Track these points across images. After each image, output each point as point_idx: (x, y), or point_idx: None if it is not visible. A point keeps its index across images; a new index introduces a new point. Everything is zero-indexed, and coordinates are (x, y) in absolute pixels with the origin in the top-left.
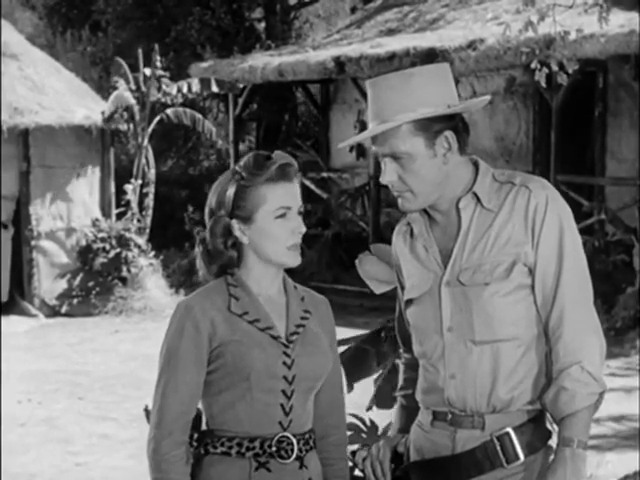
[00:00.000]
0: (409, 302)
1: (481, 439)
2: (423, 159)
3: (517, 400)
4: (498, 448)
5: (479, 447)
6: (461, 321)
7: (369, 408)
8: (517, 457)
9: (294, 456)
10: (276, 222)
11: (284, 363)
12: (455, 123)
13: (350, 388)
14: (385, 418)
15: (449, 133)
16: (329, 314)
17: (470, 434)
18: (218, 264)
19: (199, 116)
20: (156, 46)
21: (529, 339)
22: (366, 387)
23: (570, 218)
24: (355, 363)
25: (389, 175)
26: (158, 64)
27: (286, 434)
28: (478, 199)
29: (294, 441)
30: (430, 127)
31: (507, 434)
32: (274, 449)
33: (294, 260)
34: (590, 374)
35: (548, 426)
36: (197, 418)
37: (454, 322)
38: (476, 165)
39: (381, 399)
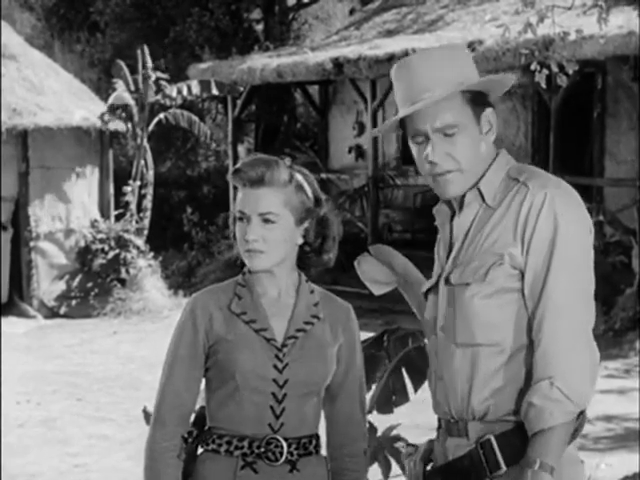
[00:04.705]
0: (424, 295)
1: (468, 447)
2: (473, 132)
3: (495, 410)
4: (482, 457)
5: (466, 455)
6: (448, 321)
7: (368, 412)
8: (499, 466)
9: (283, 459)
10: (236, 225)
11: (275, 366)
12: (490, 104)
13: (368, 389)
14: (386, 420)
15: (490, 110)
16: (348, 322)
17: (458, 442)
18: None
19: (195, 118)
20: (147, 49)
21: (514, 347)
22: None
23: (572, 221)
24: (369, 365)
25: (438, 152)
26: (149, 65)
27: (276, 436)
28: (482, 196)
29: (284, 444)
30: (477, 101)
31: (488, 441)
32: (262, 450)
33: (250, 263)
34: (560, 391)
35: None
36: (202, 417)
37: (445, 322)
38: (496, 158)
39: (381, 404)
